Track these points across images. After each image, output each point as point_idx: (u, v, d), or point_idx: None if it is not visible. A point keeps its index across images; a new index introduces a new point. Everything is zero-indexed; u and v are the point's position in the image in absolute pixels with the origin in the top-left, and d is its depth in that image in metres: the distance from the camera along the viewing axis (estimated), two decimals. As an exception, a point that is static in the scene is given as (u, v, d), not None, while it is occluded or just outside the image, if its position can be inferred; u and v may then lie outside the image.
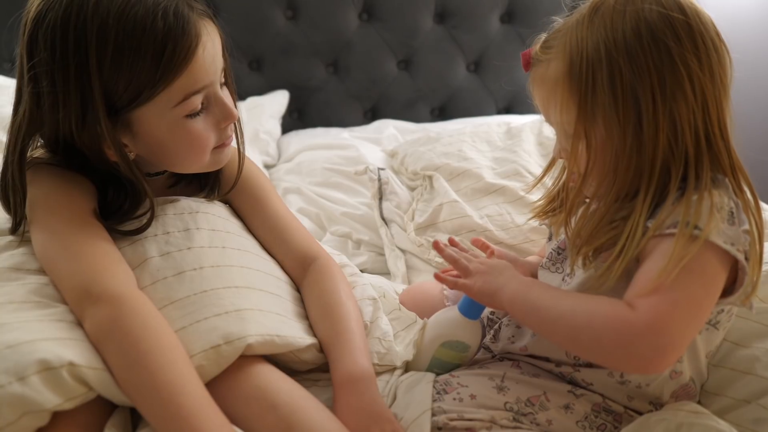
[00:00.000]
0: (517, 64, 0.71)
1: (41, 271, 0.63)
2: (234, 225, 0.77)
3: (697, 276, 0.53)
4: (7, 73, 1.47)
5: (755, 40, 1.83)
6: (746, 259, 0.56)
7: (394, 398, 0.66)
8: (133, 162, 0.66)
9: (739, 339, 0.69)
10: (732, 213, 0.57)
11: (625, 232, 0.58)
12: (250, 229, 0.80)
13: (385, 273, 1.10)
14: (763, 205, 0.65)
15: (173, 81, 0.62)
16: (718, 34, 0.59)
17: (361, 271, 1.09)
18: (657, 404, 0.64)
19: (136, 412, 0.58)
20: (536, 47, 0.67)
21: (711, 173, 0.59)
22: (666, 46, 0.57)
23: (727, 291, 0.57)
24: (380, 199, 1.19)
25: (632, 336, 0.52)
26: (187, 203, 0.74)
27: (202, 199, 0.77)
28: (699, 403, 0.66)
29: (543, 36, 0.68)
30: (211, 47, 0.65)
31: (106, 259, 0.62)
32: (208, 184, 0.79)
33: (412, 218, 1.15)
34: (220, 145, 0.71)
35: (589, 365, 0.65)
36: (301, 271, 0.78)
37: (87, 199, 0.67)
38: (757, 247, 0.58)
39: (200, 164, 0.71)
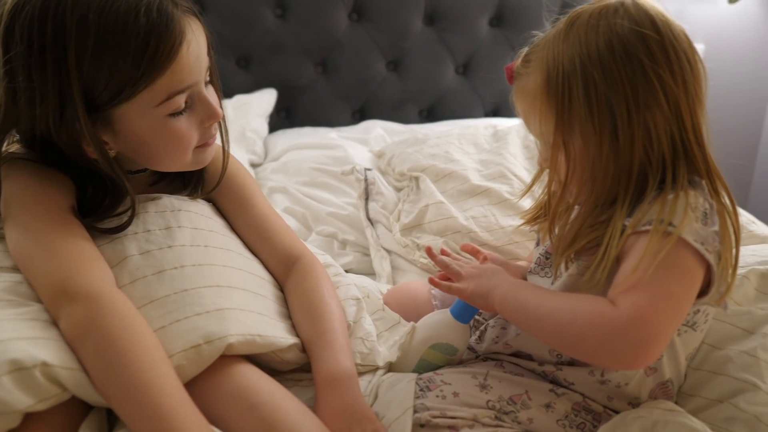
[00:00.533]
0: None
1: (15, 269, 0.62)
2: (217, 223, 0.76)
3: (672, 271, 0.55)
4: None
5: (738, 48, 1.87)
6: (719, 259, 0.58)
7: (376, 397, 0.67)
8: (113, 159, 0.65)
9: (715, 341, 0.70)
10: (706, 213, 0.58)
11: (607, 235, 0.60)
12: (233, 228, 0.79)
13: (370, 273, 1.10)
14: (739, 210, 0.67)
15: (156, 79, 0.61)
16: (690, 46, 0.61)
17: (346, 271, 1.09)
18: (635, 404, 0.65)
19: (113, 413, 0.57)
20: (518, 61, 0.69)
21: (688, 176, 0.60)
22: (639, 60, 0.59)
23: (702, 292, 0.59)
24: (366, 199, 1.20)
25: (614, 332, 0.53)
26: (169, 201, 0.72)
27: (185, 198, 0.76)
28: (675, 404, 0.67)
29: (525, 50, 0.69)
30: (195, 46, 0.63)
31: (83, 257, 0.61)
32: (192, 183, 0.78)
33: (398, 219, 1.15)
34: (203, 144, 0.70)
35: (571, 364, 0.66)
36: (284, 270, 0.77)
37: (64, 195, 0.66)
38: (734, 249, 0.59)
39: (182, 163, 0.70)
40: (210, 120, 0.68)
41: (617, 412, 0.65)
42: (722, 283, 0.58)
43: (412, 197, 1.20)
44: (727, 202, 0.61)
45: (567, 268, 0.65)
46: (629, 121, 0.59)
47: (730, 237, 0.59)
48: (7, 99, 0.61)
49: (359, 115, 1.83)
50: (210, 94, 0.68)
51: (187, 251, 0.67)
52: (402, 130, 1.64)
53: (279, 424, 0.56)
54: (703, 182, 0.61)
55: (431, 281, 0.72)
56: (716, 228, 0.58)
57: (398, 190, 1.27)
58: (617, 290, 0.55)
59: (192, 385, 0.58)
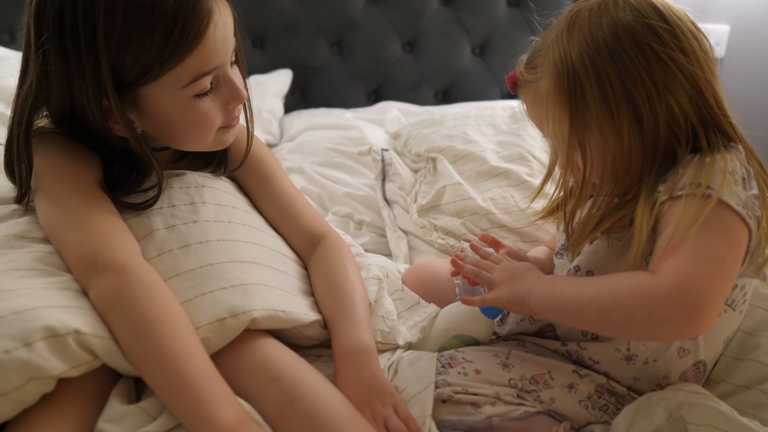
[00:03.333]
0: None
1: (46, 240, 0.63)
2: (240, 200, 0.77)
3: (715, 231, 0.53)
4: (7, 45, 1.45)
5: (763, 28, 1.82)
6: (758, 227, 0.56)
7: (395, 372, 0.67)
8: (141, 137, 0.65)
9: (748, 328, 0.69)
10: (744, 178, 0.57)
11: (638, 210, 0.59)
12: (257, 207, 0.80)
13: (386, 254, 1.10)
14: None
15: (182, 60, 0.61)
16: (693, 23, 0.62)
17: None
18: (663, 385, 0.64)
19: (141, 381, 0.58)
20: (520, 68, 0.68)
21: (724, 140, 0.60)
22: (650, 47, 0.59)
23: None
24: (383, 179, 1.19)
25: (660, 300, 0.51)
26: (193, 177, 0.73)
27: (208, 174, 0.76)
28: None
29: (524, 57, 0.69)
30: (222, 27, 0.63)
31: (111, 229, 0.62)
32: (215, 160, 0.78)
33: (415, 200, 1.15)
34: (226, 126, 0.70)
35: (595, 339, 0.65)
36: (309, 248, 0.78)
37: (92, 170, 0.67)
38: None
39: (204, 144, 0.70)
40: (234, 101, 0.68)
41: (641, 396, 0.64)
42: (758, 254, 0.57)
43: (429, 178, 1.19)
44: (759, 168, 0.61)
45: (591, 241, 0.64)
46: (651, 106, 0.59)
47: (767, 201, 0.58)
48: (39, 76, 0.62)
49: (374, 97, 1.82)
50: (235, 74, 0.68)
51: (212, 226, 0.68)
52: (418, 112, 1.63)
53: (301, 396, 0.57)
54: (740, 147, 0.60)
55: (464, 301, 0.68)
56: (755, 192, 0.57)
57: (415, 171, 1.26)
58: (657, 259, 0.54)
59: (216, 358, 0.59)
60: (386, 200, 1.17)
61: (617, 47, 0.59)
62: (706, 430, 0.55)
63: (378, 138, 1.40)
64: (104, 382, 0.57)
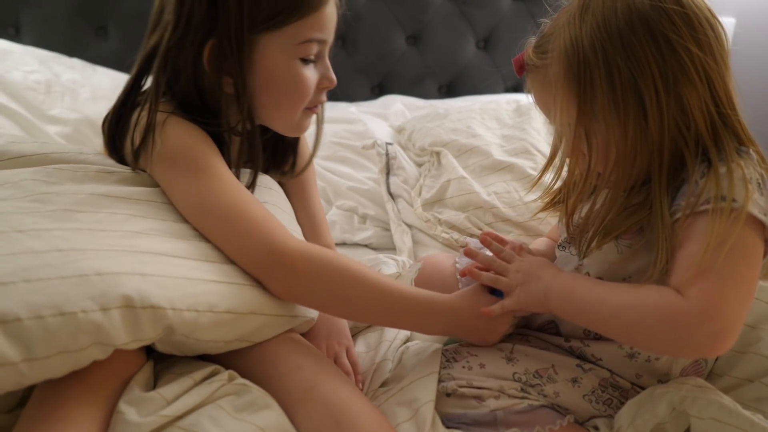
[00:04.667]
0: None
1: (137, 200, 0.63)
2: (289, 205, 0.82)
3: (738, 251, 0.52)
4: (12, 39, 1.45)
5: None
6: None
7: (400, 361, 0.68)
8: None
9: (750, 321, 0.69)
10: (759, 183, 0.56)
11: (656, 223, 0.58)
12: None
13: (390, 248, 1.10)
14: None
15: (307, 15, 0.65)
16: (710, 11, 0.60)
17: (367, 246, 1.10)
18: (664, 381, 0.64)
19: (158, 371, 0.60)
20: (528, 51, 0.67)
21: (734, 143, 0.59)
22: (665, 37, 0.57)
23: None
24: (387, 173, 1.19)
25: (688, 326, 0.51)
26: (262, 178, 0.76)
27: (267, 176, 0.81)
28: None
29: (532, 40, 0.68)
30: (336, 9, 0.69)
31: (268, 215, 0.64)
32: (285, 162, 0.83)
33: (419, 194, 1.15)
34: (311, 108, 0.73)
35: (599, 338, 0.66)
36: None
37: (219, 152, 0.68)
38: None
39: (291, 117, 0.72)
40: (326, 82, 0.72)
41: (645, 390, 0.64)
42: None
43: (434, 172, 1.19)
44: None
45: (600, 247, 0.64)
46: (658, 102, 0.57)
47: None
48: (180, 9, 0.64)
49: (378, 90, 1.82)
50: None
51: None
52: (422, 105, 1.63)
53: (321, 384, 0.59)
54: (751, 151, 0.59)
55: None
56: None
57: (419, 165, 1.27)
58: (685, 278, 0.53)
59: (240, 349, 0.61)
60: (390, 194, 1.17)
61: (630, 36, 0.57)
62: (708, 423, 0.55)
63: (382, 132, 1.41)
64: (132, 365, 0.57)
